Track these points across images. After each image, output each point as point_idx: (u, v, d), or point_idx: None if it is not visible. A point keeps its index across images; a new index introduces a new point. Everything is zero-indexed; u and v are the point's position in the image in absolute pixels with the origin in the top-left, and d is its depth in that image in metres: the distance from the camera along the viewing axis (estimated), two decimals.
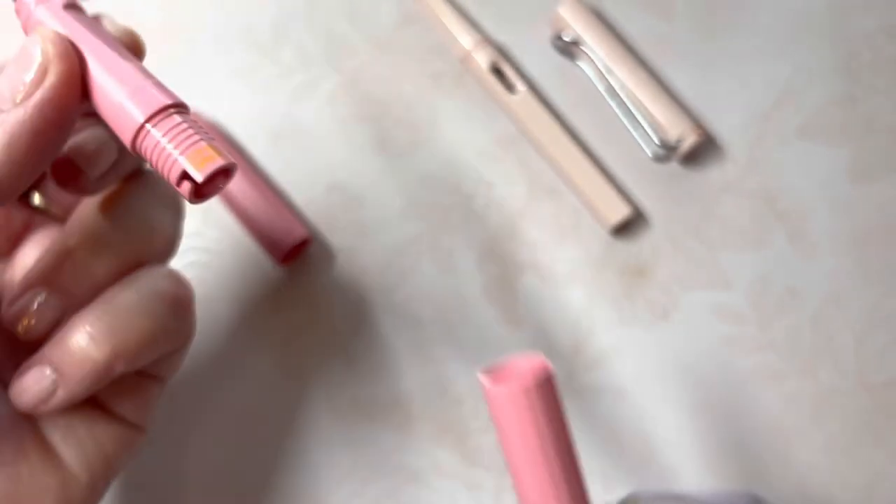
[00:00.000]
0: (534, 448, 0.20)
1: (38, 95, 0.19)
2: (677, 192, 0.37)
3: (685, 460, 0.34)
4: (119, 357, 0.22)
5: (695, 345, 0.35)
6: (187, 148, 0.19)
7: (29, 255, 0.25)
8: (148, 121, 0.19)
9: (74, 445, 0.23)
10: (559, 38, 0.37)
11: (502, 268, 0.36)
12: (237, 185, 0.35)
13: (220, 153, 0.19)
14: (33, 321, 0.22)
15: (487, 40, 0.37)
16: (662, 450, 0.34)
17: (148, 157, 0.19)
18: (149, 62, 0.38)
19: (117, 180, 0.24)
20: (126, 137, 0.19)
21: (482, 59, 0.37)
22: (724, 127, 0.37)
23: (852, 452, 0.34)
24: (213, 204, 0.36)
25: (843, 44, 0.38)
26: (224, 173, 0.19)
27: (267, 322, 0.35)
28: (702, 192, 0.37)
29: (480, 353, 0.35)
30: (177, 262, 0.35)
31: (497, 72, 0.37)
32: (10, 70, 0.19)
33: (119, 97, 0.19)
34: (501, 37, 0.38)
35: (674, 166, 0.37)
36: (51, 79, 0.19)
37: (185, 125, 0.19)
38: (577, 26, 0.37)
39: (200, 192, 0.19)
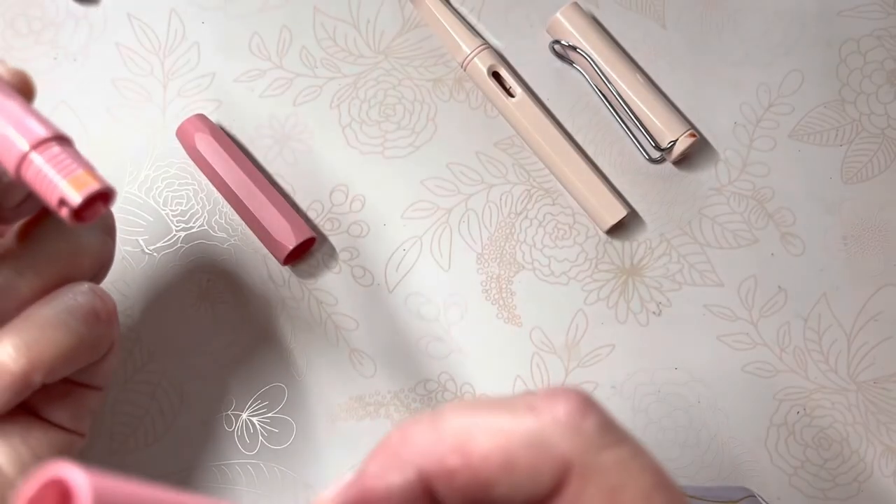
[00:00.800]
0: None
1: None
2: (671, 193, 0.37)
3: (678, 455, 0.35)
4: (35, 369, 0.22)
5: (688, 342, 0.36)
6: (66, 175, 0.20)
7: None
8: (32, 150, 0.20)
9: (9, 453, 0.24)
10: (557, 43, 0.38)
11: (501, 267, 0.37)
12: (242, 186, 0.35)
13: (96, 178, 0.20)
14: None
15: (486, 45, 0.38)
16: (655, 445, 0.35)
17: (31, 183, 0.20)
18: (156, 68, 0.38)
19: (35, 208, 0.24)
20: (10, 165, 0.20)
21: (481, 63, 0.37)
22: (716, 129, 0.38)
23: (842, 449, 0.35)
24: (220, 205, 0.37)
25: (834, 48, 0.39)
26: (103, 197, 0.21)
27: (270, 320, 0.36)
28: (695, 193, 0.37)
29: (480, 352, 0.36)
30: (182, 263, 0.36)
31: (496, 76, 0.37)
32: None
33: (3, 129, 0.20)
34: (500, 42, 0.39)
35: (668, 168, 0.38)
36: None
37: (63, 155, 0.20)
38: (575, 32, 0.37)
39: (80, 216, 0.20)
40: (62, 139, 0.21)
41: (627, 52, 0.39)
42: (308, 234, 0.35)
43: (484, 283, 0.36)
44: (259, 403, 0.35)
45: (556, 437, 0.16)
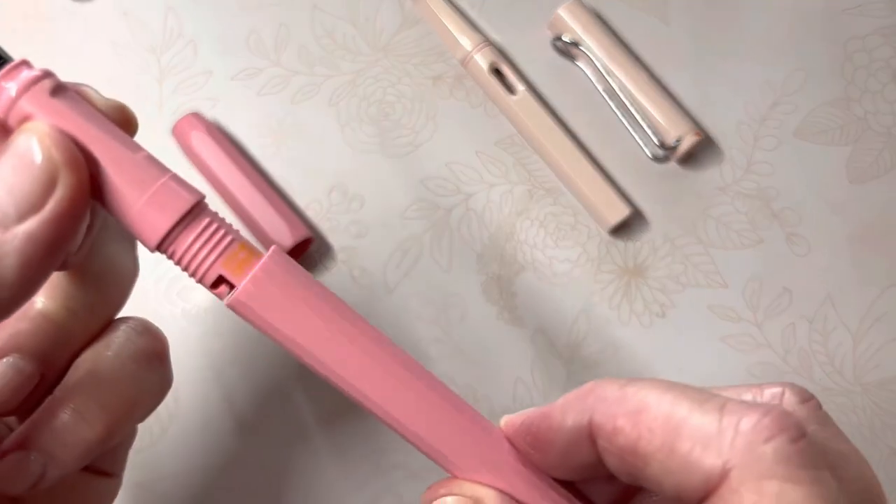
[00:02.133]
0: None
1: (51, 208, 0.16)
2: (675, 193, 0.37)
3: None
4: (112, 432, 0.20)
5: (692, 343, 0.36)
6: (221, 252, 0.18)
7: None
8: (175, 226, 0.18)
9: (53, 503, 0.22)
10: (558, 39, 0.38)
11: (502, 267, 0.36)
12: (239, 186, 0.35)
13: (251, 251, 0.18)
14: (7, 392, 0.20)
15: (487, 42, 0.37)
16: None
17: (175, 260, 0.18)
18: (152, 66, 0.38)
19: (90, 244, 0.21)
20: (150, 243, 0.18)
21: (482, 60, 0.37)
22: (721, 128, 0.38)
23: None
24: (215, 204, 0.36)
25: (839, 46, 0.39)
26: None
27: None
28: (699, 193, 0.37)
29: (481, 353, 0.35)
30: None
31: (497, 73, 0.37)
32: (6, 175, 0.16)
33: (138, 201, 0.17)
34: (501, 38, 0.39)
35: (672, 167, 0.37)
36: (62, 190, 0.16)
37: (213, 225, 0.18)
38: (577, 28, 0.37)
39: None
40: (200, 199, 0.18)
41: (630, 48, 0.38)
42: (305, 234, 0.35)
43: (484, 284, 0.36)
44: (258, 403, 0.35)
45: (726, 444, 0.15)
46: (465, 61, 0.37)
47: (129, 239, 0.23)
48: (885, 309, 0.36)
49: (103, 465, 0.23)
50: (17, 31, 0.39)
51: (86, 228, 0.20)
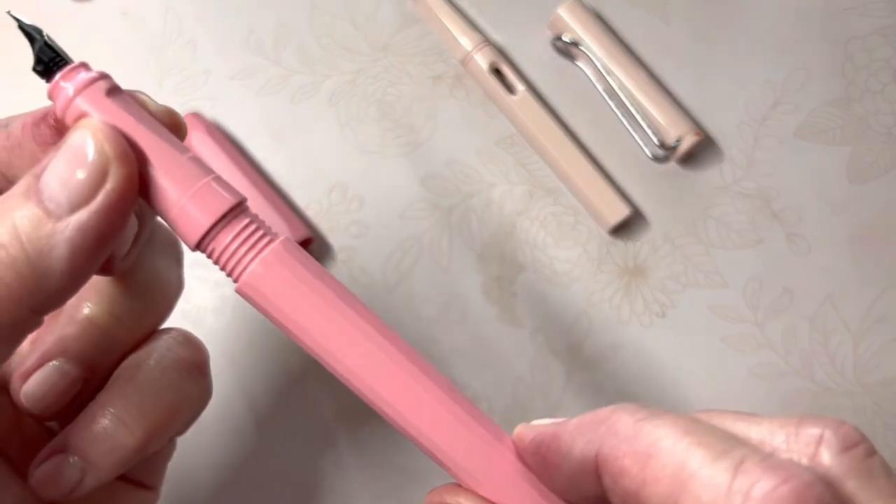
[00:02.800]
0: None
1: (101, 200, 0.17)
2: (675, 193, 0.37)
3: None
4: (151, 440, 0.21)
5: (692, 343, 0.35)
6: (259, 252, 0.19)
7: None
8: (215, 224, 0.18)
9: None
10: (559, 39, 0.37)
11: (502, 267, 0.36)
12: (238, 186, 0.35)
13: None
14: (52, 396, 0.20)
15: (487, 41, 0.37)
16: None
17: (214, 258, 0.19)
18: (151, 65, 0.38)
19: (136, 253, 0.22)
20: (190, 240, 0.18)
21: (482, 60, 0.37)
22: (722, 128, 0.37)
23: None
24: None
25: (839, 46, 0.38)
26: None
27: (268, 322, 0.35)
28: (700, 193, 0.37)
29: (480, 353, 0.35)
30: None
31: (497, 73, 0.37)
32: (60, 168, 0.17)
33: (181, 199, 0.18)
34: (501, 38, 0.38)
35: (672, 166, 0.37)
36: (112, 182, 0.17)
37: (252, 226, 0.19)
38: (577, 28, 0.37)
39: None
40: (242, 201, 0.19)
41: (630, 48, 0.38)
42: (305, 234, 0.35)
43: (484, 284, 0.36)
44: (256, 403, 0.35)
45: (828, 462, 0.14)
46: (465, 61, 0.37)
47: (174, 256, 0.24)
48: (886, 309, 0.36)
49: (142, 476, 0.23)
50: (15, 31, 0.38)
51: (134, 236, 0.21)
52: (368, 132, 0.37)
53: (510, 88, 0.37)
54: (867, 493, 0.14)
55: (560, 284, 0.36)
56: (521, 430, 0.18)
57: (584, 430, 0.17)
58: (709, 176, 0.37)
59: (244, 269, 0.18)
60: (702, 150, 0.37)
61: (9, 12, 0.20)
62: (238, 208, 0.19)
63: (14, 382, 0.21)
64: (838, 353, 0.35)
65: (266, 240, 0.19)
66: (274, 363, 0.35)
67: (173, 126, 0.20)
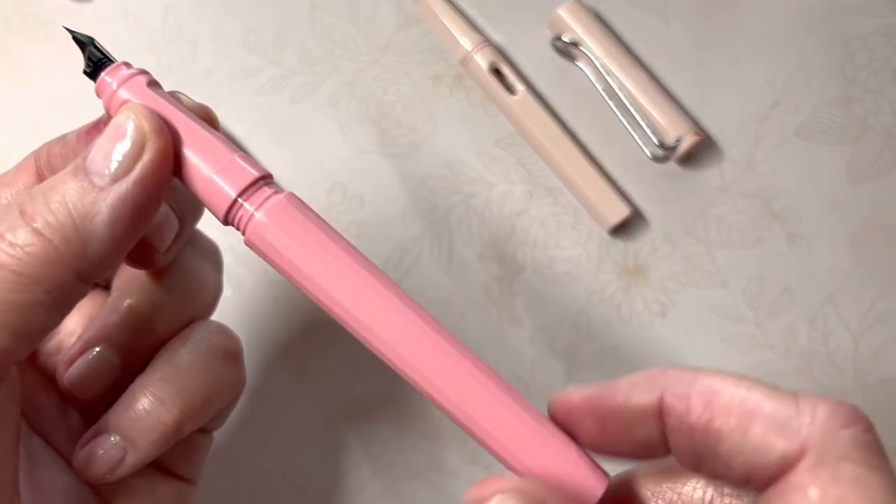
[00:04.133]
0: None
1: (139, 170, 0.19)
2: (675, 193, 0.37)
3: None
4: (188, 418, 0.22)
5: (692, 343, 0.35)
6: (264, 203, 0.20)
7: (73, 317, 0.24)
8: (240, 195, 0.19)
9: None
10: (558, 39, 0.37)
11: (502, 267, 0.36)
12: None
13: None
14: (94, 380, 0.22)
15: (487, 42, 0.37)
16: None
17: (241, 228, 0.20)
18: (151, 65, 0.38)
19: (178, 250, 0.24)
20: (219, 212, 0.20)
21: (482, 60, 0.37)
22: (721, 127, 0.37)
23: None
24: None
25: (840, 45, 0.38)
26: None
27: (266, 321, 0.35)
28: (700, 192, 0.37)
29: (480, 352, 0.35)
30: None
31: (497, 73, 0.37)
32: (104, 144, 0.19)
33: (209, 172, 0.20)
34: (501, 38, 0.38)
35: (672, 166, 0.37)
36: (149, 154, 0.19)
37: (269, 189, 0.20)
38: (577, 28, 0.37)
39: None
40: (268, 177, 0.20)
41: (630, 48, 0.38)
42: None
43: (484, 284, 0.36)
44: (255, 403, 0.35)
45: (804, 426, 0.15)
46: (465, 61, 0.37)
47: (213, 261, 0.26)
48: (886, 309, 0.36)
49: (182, 469, 0.24)
50: (17, 31, 0.39)
51: (174, 234, 0.23)
52: (368, 132, 0.37)
53: (510, 88, 0.37)
54: (863, 469, 0.15)
55: (560, 284, 0.36)
56: (567, 390, 0.19)
57: (640, 384, 0.18)
58: (709, 176, 0.37)
59: (251, 220, 0.20)
60: (702, 150, 0.37)
61: (63, 26, 0.23)
62: (262, 181, 0.20)
63: (59, 368, 0.22)
64: (838, 353, 0.35)
65: (275, 196, 0.20)
66: (274, 365, 0.35)
67: (207, 119, 0.22)
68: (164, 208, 0.22)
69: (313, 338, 0.35)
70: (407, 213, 0.37)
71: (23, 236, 0.18)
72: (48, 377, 0.23)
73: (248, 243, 0.20)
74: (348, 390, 0.35)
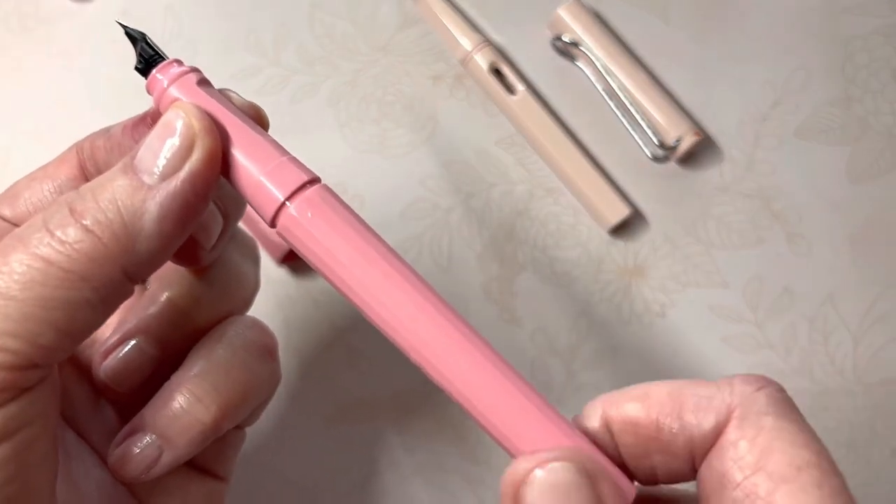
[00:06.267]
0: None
1: (188, 168, 0.19)
2: (675, 193, 0.37)
3: None
4: (226, 416, 0.22)
5: (692, 343, 0.35)
6: (296, 194, 0.20)
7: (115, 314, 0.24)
8: (288, 199, 0.19)
9: None
10: (558, 39, 0.37)
11: (502, 267, 0.36)
12: None
13: None
14: (131, 372, 0.22)
15: (487, 41, 0.37)
16: None
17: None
18: None
19: (222, 248, 0.24)
20: (266, 214, 0.20)
21: (482, 60, 0.37)
22: (721, 127, 0.37)
23: (849, 451, 0.35)
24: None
25: (840, 45, 0.38)
26: None
27: (267, 320, 0.35)
28: (700, 193, 0.37)
29: None
30: None
31: (497, 73, 0.37)
32: (153, 142, 0.19)
33: (258, 174, 0.19)
34: (501, 38, 0.38)
35: (672, 166, 0.37)
36: (198, 153, 0.19)
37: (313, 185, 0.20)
38: (577, 28, 0.37)
39: None
40: (316, 181, 0.20)
41: (630, 48, 0.38)
42: None
43: (484, 284, 0.36)
44: None
45: (726, 394, 0.17)
46: (465, 61, 0.37)
47: (252, 257, 0.25)
48: (886, 309, 0.36)
49: (214, 466, 0.24)
50: (17, 31, 0.39)
51: (220, 231, 0.22)
52: (368, 132, 0.37)
53: (510, 88, 0.37)
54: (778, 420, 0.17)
55: (560, 284, 0.36)
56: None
57: (584, 415, 0.19)
58: (709, 176, 0.37)
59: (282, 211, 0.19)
60: (702, 150, 0.37)
61: (116, 21, 0.23)
62: (310, 185, 0.20)
63: (96, 360, 0.22)
64: (838, 353, 0.35)
65: (308, 189, 0.20)
66: None
67: (257, 118, 0.21)
68: (210, 206, 0.22)
69: (313, 337, 0.35)
70: (407, 212, 0.37)
71: (73, 233, 0.18)
72: (82, 369, 0.23)
73: (278, 234, 0.20)
74: (348, 390, 0.35)
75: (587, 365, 0.35)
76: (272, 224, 0.20)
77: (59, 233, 0.18)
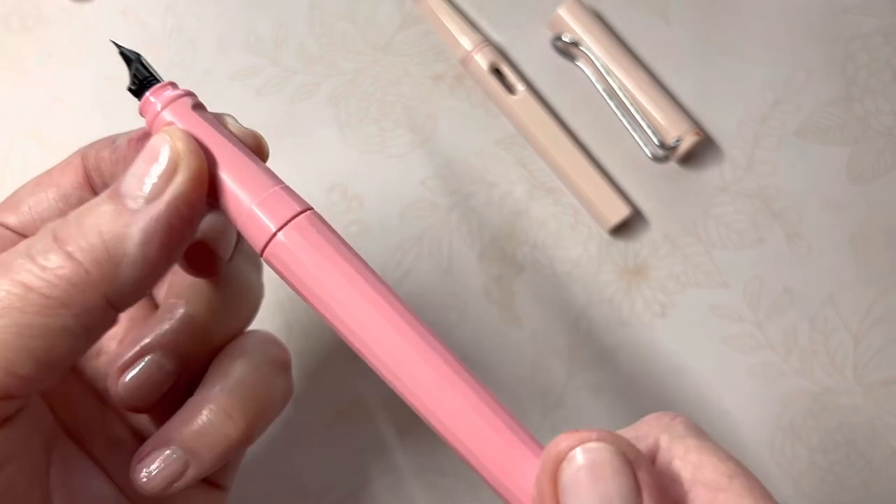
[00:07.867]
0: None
1: (171, 192, 0.19)
2: (675, 193, 0.37)
3: None
4: (253, 430, 0.22)
5: (692, 343, 0.35)
6: (286, 223, 0.19)
7: (120, 324, 0.24)
8: (280, 230, 0.19)
9: None
10: (559, 39, 0.37)
11: (502, 267, 0.36)
12: None
13: None
14: (150, 387, 0.22)
15: (487, 41, 0.37)
16: None
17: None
18: (153, 65, 0.38)
19: (237, 258, 0.24)
20: (257, 244, 0.19)
21: (482, 60, 0.37)
22: (722, 127, 0.37)
23: (849, 452, 0.35)
24: None
25: (840, 45, 0.38)
26: None
27: (268, 323, 0.35)
28: (700, 193, 0.37)
29: (480, 354, 0.35)
30: None
31: (497, 73, 0.37)
32: (138, 166, 0.19)
33: (249, 203, 0.19)
34: (501, 38, 0.38)
35: (672, 166, 0.37)
36: (181, 175, 0.19)
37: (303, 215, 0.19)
38: (577, 28, 0.37)
39: None
40: (309, 211, 0.20)
41: (630, 48, 0.38)
42: None
43: (485, 284, 0.36)
44: None
45: (651, 430, 0.18)
46: (465, 61, 0.37)
47: (256, 263, 0.25)
48: (886, 309, 0.36)
49: (219, 478, 0.24)
50: (16, 31, 0.38)
51: (234, 241, 0.22)
52: (368, 132, 0.37)
53: (510, 88, 0.37)
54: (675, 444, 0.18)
55: (560, 285, 0.36)
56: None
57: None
58: (709, 176, 0.37)
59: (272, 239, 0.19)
60: (702, 150, 0.37)
61: (111, 40, 0.22)
62: (303, 215, 0.19)
63: (112, 376, 0.22)
64: (838, 353, 0.35)
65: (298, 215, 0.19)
66: None
67: (255, 147, 0.21)
68: (222, 217, 0.22)
69: (313, 338, 0.35)
70: (407, 212, 0.37)
71: (54, 259, 0.18)
72: (86, 381, 0.23)
73: (265, 259, 0.20)
74: (348, 390, 0.35)
75: (587, 365, 0.35)
76: (262, 254, 0.19)
77: (41, 259, 0.18)
